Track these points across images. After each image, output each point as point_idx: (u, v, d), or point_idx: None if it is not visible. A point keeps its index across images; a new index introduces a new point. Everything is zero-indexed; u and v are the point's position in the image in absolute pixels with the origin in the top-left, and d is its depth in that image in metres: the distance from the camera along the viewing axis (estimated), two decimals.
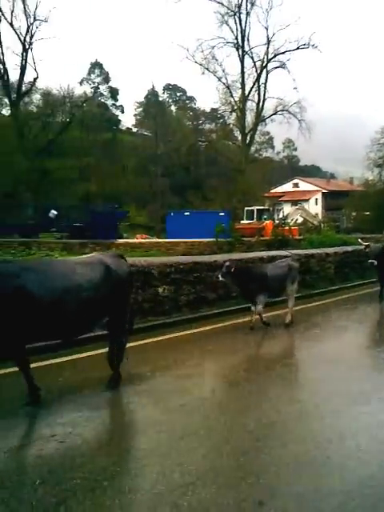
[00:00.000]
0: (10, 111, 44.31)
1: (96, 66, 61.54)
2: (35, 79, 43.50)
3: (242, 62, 43.89)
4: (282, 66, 43.83)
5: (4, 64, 40.71)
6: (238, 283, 8.19)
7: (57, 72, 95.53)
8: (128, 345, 6.88)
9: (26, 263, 5.23)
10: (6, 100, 44.23)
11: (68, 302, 4.78)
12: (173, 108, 72.97)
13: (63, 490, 3.33)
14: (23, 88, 43.44)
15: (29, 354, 6.07)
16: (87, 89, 58.73)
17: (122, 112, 67.03)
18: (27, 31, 41.04)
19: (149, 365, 6.23)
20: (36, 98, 49.91)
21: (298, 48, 42.60)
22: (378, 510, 3.22)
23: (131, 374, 5.84)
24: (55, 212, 28.41)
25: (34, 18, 40.77)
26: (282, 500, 3.31)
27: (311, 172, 75.39)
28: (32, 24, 40.94)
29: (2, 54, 40.47)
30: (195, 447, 4.01)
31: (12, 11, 40.03)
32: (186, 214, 28.33)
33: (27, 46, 41.44)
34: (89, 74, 61.53)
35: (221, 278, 8.14)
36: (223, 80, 44.77)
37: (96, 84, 61.47)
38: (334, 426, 4.49)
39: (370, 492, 3.40)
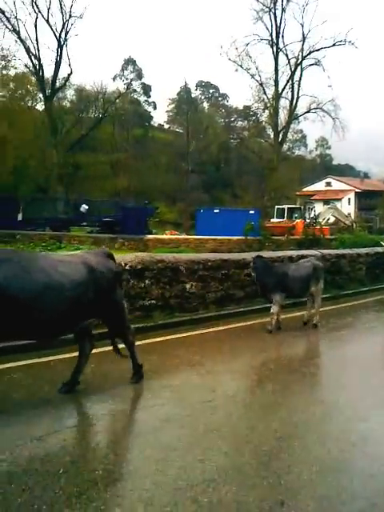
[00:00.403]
0: (43, 106, 45.04)
1: (129, 62, 62.05)
2: (69, 75, 44.12)
3: (276, 59, 43.48)
4: (317, 63, 43.20)
5: (39, 60, 41.40)
6: (257, 279, 8.05)
7: (90, 68, 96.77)
8: (154, 340, 7.02)
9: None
10: (41, 95, 44.96)
11: (44, 299, 4.41)
12: (205, 105, 72.88)
13: (85, 481, 3.37)
14: (57, 83, 44.08)
15: (57, 346, 6.25)
16: (120, 85, 59.24)
17: (155, 108, 67.46)
18: (62, 28, 41.60)
19: (174, 360, 6.24)
20: (70, 93, 50.85)
21: (333, 45, 41.89)
22: None
23: (156, 368, 5.88)
24: (86, 206, 28.82)
25: (70, 14, 41.24)
26: (304, 501, 3.26)
27: (344, 171, 74.09)
28: (67, 20, 41.47)
29: (38, 50, 41.16)
30: (217, 444, 4.00)
31: (48, 8, 40.63)
32: (216, 211, 28.24)
33: (62, 43, 42.01)
34: (122, 70, 62.14)
35: (253, 274, 8.11)
36: (256, 77, 44.48)
37: (129, 80, 61.95)
38: (359, 429, 4.41)
39: None
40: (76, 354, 6.12)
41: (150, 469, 3.60)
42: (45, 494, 3.20)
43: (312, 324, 8.20)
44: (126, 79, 62.07)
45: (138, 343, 6.76)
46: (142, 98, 64.83)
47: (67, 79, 44.84)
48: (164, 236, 26.70)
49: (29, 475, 3.43)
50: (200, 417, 4.54)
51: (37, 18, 40.15)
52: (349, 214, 39.76)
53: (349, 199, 55.32)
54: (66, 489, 3.27)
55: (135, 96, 63.30)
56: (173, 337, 7.31)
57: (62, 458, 3.69)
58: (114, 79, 60.14)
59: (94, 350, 6.30)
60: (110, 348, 6.48)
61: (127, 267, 7.59)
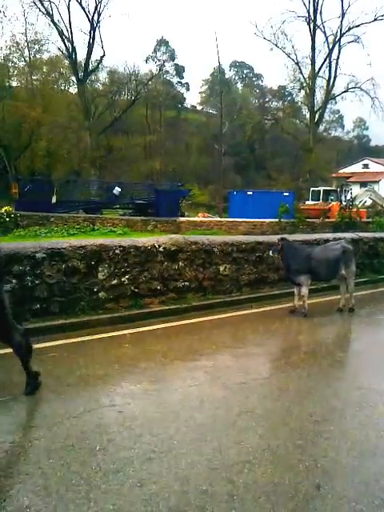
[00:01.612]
0: (77, 89, 45.26)
1: (162, 43, 61.64)
2: (102, 57, 44.18)
3: (312, 36, 42.19)
4: (356, 40, 41.71)
5: (72, 43, 41.53)
6: (283, 261, 7.89)
7: (123, 50, 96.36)
8: (188, 322, 7.05)
9: None
10: (74, 78, 45.16)
11: None
12: (239, 86, 71.89)
13: (121, 458, 3.42)
14: (90, 66, 44.14)
15: (95, 325, 6.37)
16: (153, 67, 59.08)
17: (187, 90, 67.11)
18: (95, 10, 41.52)
19: (208, 342, 6.24)
20: (102, 76, 50.89)
21: (375, 20, 40.27)
22: None
23: (190, 349, 5.90)
24: (119, 189, 28.97)
25: None
26: (341, 486, 3.22)
27: (383, 153, 72.00)
28: (100, 2, 41.33)
29: (71, 32, 41.24)
30: (252, 426, 3.98)
31: None
32: (249, 193, 27.91)
33: (95, 25, 41.96)
34: (154, 51, 61.85)
35: (271, 254, 8.08)
36: (292, 56, 43.41)
37: (162, 62, 61.61)
38: None
39: None
40: (117, 333, 6.28)
41: (185, 448, 3.61)
42: (82, 470, 3.26)
43: (348, 308, 8.03)
44: (159, 61, 61.82)
45: (172, 324, 6.86)
46: (175, 80, 64.62)
47: (100, 62, 44.98)
48: (196, 218, 26.67)
49: (67, 451, 3.50)
50: (235, 398, 4.53)
51: (70, 0, 40.17)
52: None
53: None
54: (103, 465, 3.32)
55: (168, 77, 63.03)
56: (206, 318, 7.30)
57: (99, 435, 3.74)
58: (146, 61, 60.05)
59: (130, 330, 6.45)
60: (146, 329, 6.61)
61: (161, 249, 7.59)
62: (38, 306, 6.37)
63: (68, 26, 40.95)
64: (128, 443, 3.64)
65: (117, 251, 7.07)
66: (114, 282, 7.05)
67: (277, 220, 22.59)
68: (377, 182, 51.12)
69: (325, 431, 3.96)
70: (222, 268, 8.50)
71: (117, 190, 28.86)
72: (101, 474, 3.22)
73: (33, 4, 40.02)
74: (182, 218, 25.45)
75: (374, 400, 4.65)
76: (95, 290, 6.87)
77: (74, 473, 3.23)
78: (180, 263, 7.86)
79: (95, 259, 6.86)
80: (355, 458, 3.56)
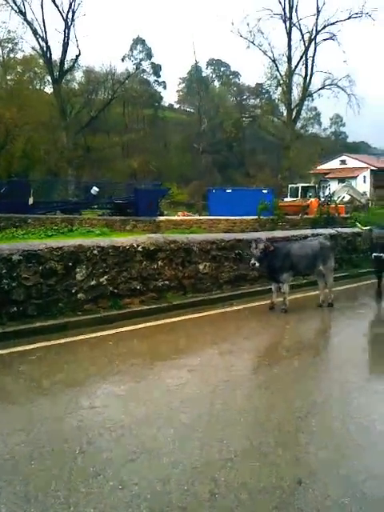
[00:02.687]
0: (52, 89, 44.74)
1: (138, 42, 61.40)
2: (77, 56, 43.78)
3: (289, 34, 42.56)
4: (332, 37, 42.15)
5: (47, 42, 41.09)
6: (264, 261, 7.60)
7: (99, 49, 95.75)
8: (168, 321, 7.01)
9: None
10: (49, 77, 44.64)
11: None
12: (216, 83, 72.01)
13: (102, 460, 3.37)
14: (65, 65, 43.71)
15: (74, 327, 6.29)
16: (129, 65, 58.76)
17: (165, 88, 66.90)
18: (69, 8, 41.11)
19: (189, 341, 6.24)
20: (78, 75, 50.47)
21: (349, 17, 40.75)
22: None
23: (173, 349, 5.87)
24: (97, 189, 28.76)
25: None
26: (322, 480, 3.22)
27: (360, 149, 72.85)
28: (74, 0, 40.93)
29: (45, 31, 40.76)
30: (235, 423, 3.97)
31: None
32: (228, 191, 28.01)
33: (69, 23, 41.57)
34: (131, 50, 61.61)
35: (257, 264, 7.47)
36: (269, 54, 43.67)
37: (138, 60, 61.41)
38: (379, 408, 4.35)
39: None
40: (97, 334, 6.21)
41: (167, 448, 3.58)
42: (62, 474, 3.21)
43: (327, 303, 8.09)
44: (135, 59, 61.63)
45: (152, 324, 6.83)
46: (152, 78, 64.34)
47: (75, 61, 44.58)
48: (176, 217, 26.62)
49: (46, 455, 3.44)
50: (217, 396, 4.51)
51: None
52: (364, 192, 39.18)
53: (364, 177, 54.46)
54: (84, 469, 3.27)
55: (145, 76, 62.77)
56: (187, 317, 7.28)
57: (79, 438, 3.68)
58: (122, 60, 59.77)
59: (113, 330, 6.39)
60: (129, 328, 6.55)
61: (140, 248, 7.54)
62: (15, 308, 6.26)
63: (42, 24, 40.50)
64: (109, 445, 3.59)
65: (95, 252, 6.99)
66: (93, 282, 6.97)
67: (256, 217, 22.68)
68: (354, 177, 51.73)
69: (307, 426, 3.98)
70: (201, 266, 8.47)
71: (95, 189, 28.64)
72: (81, 478, 3.16)
73: (4, 2, 39.46)
74: (162, 217, 25.37)
75: (356, 394, 4.68)
76: (73, 291, 6.78)
77: (54, 477, 3.17)
78: (159, 262, 7.81)
79: (73, 260, 6.77)
80: (337, 452, 3.57)
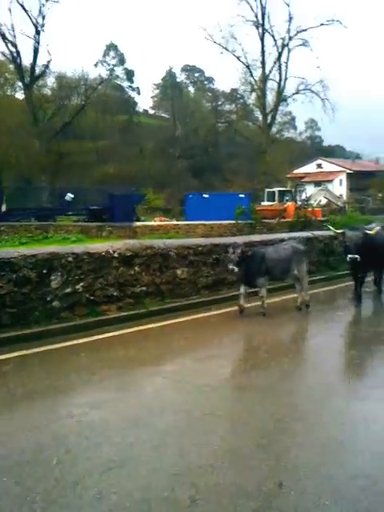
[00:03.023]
0: (23, 95, 44.21)
1: (111, 47, 61.18)
2: (49, 62, 43.31)
3: (262, 40, 43.04)
4: (305, 43, 42.80)
5: (16, 47, 40.53)
6: (242, 266, 7.55)
7: (71, 55, 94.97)
8: (146, 327, 6.96)
9: None
10: (20, 83, 44.09)
11: None
12: (191, 89, 72.32)
13: (79, 470, 3.30)
14: (37, 71, 43.20)
15: (51, 335, 6.20)
16: (102, 71, 58.43)
17: (139, 94, 66.76)
18: (39, 12, 40.70)
19: (167, 346, 6.19)
20: (50, 81, 49.88)
21: (321, 24, 41.45)
22: None
23: (150, 355, 5.82)
24: (71, 195, 28.49)
25: None
26: (303, 482, 3.22)
27: (335, 152, 73.94)
28: (44, 5, 40.54)
29: (15, 36, 40.19)
30: (214, 428, 3.94)
31: None
32: (205, 196, 28.01)
33: (39, 28, 41.11)
34: (104, 56, 61.27)
35: (236, 269, 7.47)
36: (243, 59, 44.06)
37: (111, 66, 61.13)
38: (360, 409, 4.37)
39: None
40: (73, 342, 6.12)
41: (146, 455, 3.53)
42: (38, 486, 3.13)
43: (304, 306, 8.12)
44: (109, 65, 61.30)
45: (129, 330, 6.77)
46: (126, 84, 64.08)
47: (47, 66, 44.03)
48: (153, 223, 26.52)
49: (22, 467, 3.35)
50: (196, 401, 4.48)
51: (11, 1, 39.10)
52: (340, 195, 39.76)
53: (340, 180, 55.27)
54: (61, 479, 3.20)
55: (118, 82, 62.54)
56: (165, 323, 7.23)
57: (56, 448, 3.61)
58: (95, 65, 59.33)
59: (88, 338, 6.31)
60: (104, 336, 6.48)
61: (116, 255, 7.48)
62: None
63: (11, 29, 39.93)
64: (87, 454, 3.52)
65: (69, 259, 6.90)
66: (68, 290, 6.87)
67: (234, 222, 22.78)
68: (330, 181, 52.46)
69: (287, 429, 3.98)
70: (179, 272, 8.45)
71: (69, 196, 28.36)
72: (58, 489, 3.09)
73: None
74: (138, 223, 25.24)
75: (335, 395, 4.71)
76: (48, 299, 6.67)
77: (30, 489, 3.09)
78: (136, 268, 7.76)
79: (47, 268, 6.66)
80: (317, 454, 3.57)
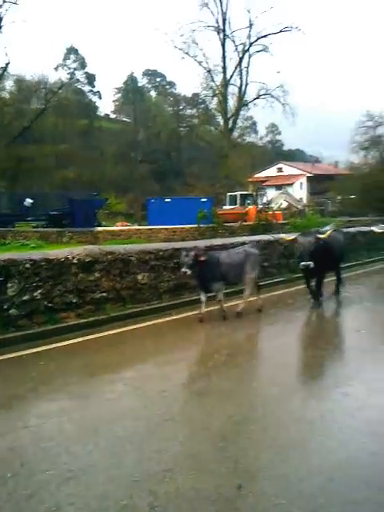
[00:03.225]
0: None
1: (71, 51, 60.46)
2: (7, 64, 42.32)
3: (223, 45, 43.34)
4: (265, 49, 43.40)
5: None
6: (195, 269, 7.49)
7: (31, 58, 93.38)
8: (107, 333, 6.89)
9: None
10: None
11: None
12: (152, 93, 72.37)
13: (36, 482, 3.23)
14: None
15: (7, 344, 6.05)
16: (63, 75, 57.71)
17: (100, 98, 66.30)
18: None
19: (127, 353, 6.14)
20: (9, 84, 48.83)
21: (280, 31, 42.08)
22: (358, 491, 3.17)
23: (110, 362, 5.76)
24: (31, 200, 27.99)
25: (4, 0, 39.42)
26: (262, 483, 3.26)
27: (295, 156, 75.35)
28: (1, 6, 39.62)
29: None
30: (173, 434, 3.94)
31: None
32: (167, 200, 28.02)
33: None
34: (64, 59, 60.49)
35: (188, 272, 7.41)
36: (204, 64, 44.24)
37: (72, 70, 60.41)
38: (316, 408, 4.44)
39: (350, 473, 3.37)
40: (31, 351, 6.00)
41: (104, 463, 3.49)
42: None
43: (239, 310, 7.98)
44: (69, 69, 60.56)
45: (90, 337, 6.68)
46: (87, 88, 63.49)
47: (5, 69, 42.96)
48: (115, 228, 26.32)
49: None
50: (155, 407, 4.46)
51: None
52: (301, 198, 40.53)
53: (300, 184, 56.34)
54: (15, 493, 3.12)
55: (79, 86, 61.89)
56: (126, 329, 7.18)
57: (11, 460, 3.52)
58: (56, 69, 58.55)
59: (45, 347, 6.19)
60: (62, 344, 6.37)
61: (75, 261, 7.38)
62: None
63: None
64: (43, 465, 3.45)
65: (27, 265, 6.76)
66: (26, 297, 6.73)
67: (196, 226, 22.86)
68: (291, 184, 53.40)
69: (245, 431, 4.01)
70: (140, 277, 8.41)
71: (28, 201, 27.82)
72: (12, 503, 3.01)
73: None
74: (100, 228, 24.99)
75: (292, 395, 4.78)
76: (5, 307, 6.51)
77: None
78: (96, 274, 7.67)
79: (3, 275, 6.51)
80: (275, 454, 3.62)
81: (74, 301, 7.32)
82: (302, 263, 7.94)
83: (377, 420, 4.16)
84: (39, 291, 6.88)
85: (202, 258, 7.48)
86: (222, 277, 7.76)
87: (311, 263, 7.84)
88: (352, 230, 15.79)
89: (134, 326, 7.32)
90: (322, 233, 8.46)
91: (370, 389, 4.82)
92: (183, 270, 7.47)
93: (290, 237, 9.08)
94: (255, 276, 8.23)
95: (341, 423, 4.11)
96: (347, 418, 4.22)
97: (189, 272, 7.43)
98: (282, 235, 9.97)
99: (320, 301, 8.74)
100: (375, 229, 11.07)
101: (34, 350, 6.05)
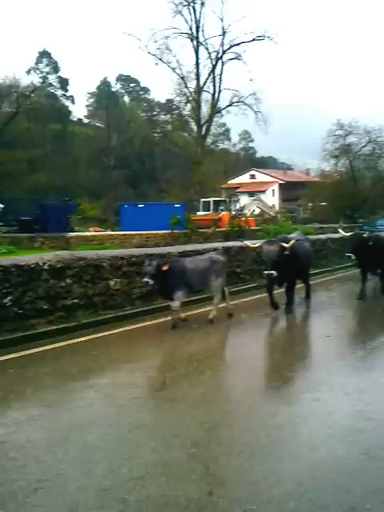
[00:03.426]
0: None
1: (44, 54, 59.86)
2: None
3: (196, 52, 43.57)
4: (238, 57, 43.83)
5: None
6: (158, 278, 7.32)
7: (1, 61, 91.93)
8: (78, 340, 6.82)
9: None
10: None
11: None
12: (126, 99, 72.20)
13: (3, 494, 3.17)
14: None
15: None
16: (35, 78, 57.03)
17: (73, 103, 65.64)
18: None
19: (100, 359, 6.08)
20: None
21: (253, 40, 42.58)
22: (326, 494, 3.22)
23: (82, 369, 5.70)
24: (2, 206, 27.54)
25: None
26: (232, 488, 3.27)
27: (268, 163, 76.27)
28: None
29: None
30: (145, 441, 3.92)
31: None
32: (141, 206, 28.04)
33: None
34: (37, 63, 59.82)
35: (151, 282, 7.28)
36: (178, 71, 44.37)
37: (44, 74, 59.76)
38: (286, 413, 4.49)
39: (319, 477, 3.42)
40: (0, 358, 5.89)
41: (75, 472, 3.46)
42: None
43: (210, 317, 7.95)
44: (42, 73, 59.91)
45: (61, 344, 6.60)
46: (60, 93, 62.87)
47: None
48: (88, 233, 26.15)
49: None
50: (127, 414, 4.44)
51: None
52: (273, 205, 41.07)
53: (273, 191, 57.11)
54: None
55: (52, 90, 61.25)
56: (98, 335, 7.12)
57: None
58: (28, 72, 57.80)
59: (14, 355, 6.08)
60: (32, 351, 6.27)
61: (46, 267, 7.29)
62: None
63: None
64: (11, 476, 3.39)
65: None
66: None
67: (169, 231, 22.90)
68: (263, 191, 54.05)
69: (217, 437, 4.02)
70: (112, 283, 8.36)
71: None
72: None
73: None
74: (72, 234, 24.78)
75: (263, 401, 4.83)
76: None
77: None
78: (67, 280, 7.59)
79: None
80: (246, 460, 3.64)
81: (45, 307, 7.22)
82: (265, 272, 8.00)
83: (346, 425, 4.24)
84: (9, 297, 6.76)
85: (165, 268, 7.29)
86: (186, 284, 7.61)
87: (274, 272, 7.84)
88: (322, 236, 16.08)
89: (106, 333, 7.26)
90: (287, 241, 8.35)
91: (339, 394, 4.90)
92: (145, 279, 7.35)
93: (255, 244, 9.09)
94: (222, 282, 8.15)
95: (310, 428, 4.16)
96: (317, 423, 4.27)
97: (151, 282, 7.27)
98: (247, 242, 9.91)
99: (291, 308, 8.76)
100: (342, 232, 11.24)
101: (4, 358, 5.95)
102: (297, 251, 8.57)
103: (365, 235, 9.82)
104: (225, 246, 11.36)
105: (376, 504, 3.13)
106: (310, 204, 44.20)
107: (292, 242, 8.34)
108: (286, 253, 8.04)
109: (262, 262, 11.91)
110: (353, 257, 9.62)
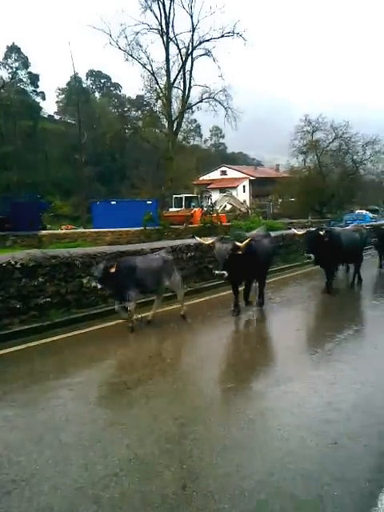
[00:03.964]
0: None
1: (13, 49, 58.65)
2: None
3: (166, 48, 43.37)
4: (207, 53, 43.85)
5: None
6: (108, 281, 7.03)
7: None
8: (51, 339, 6.79)
9: None
10: None
11: None
12: (97, 95, 71.44)
13: None
14: None
15: None
16: (4, 74, 55.95)
17: (43, 99, 64.54)
18: None
19: (73, 358, 6.08)
20: None
21: (222, 36, 42.66)
22: (295, 483, 3.33)
23: (55, 368, 5.69)
24: None
25: None
26: (205, 482, 3.35)
27: (239, 160, 76.63)
28: None
29: None
30: (119, 438, 3.97)
31: None
32: (113, 203, 27.84)
33: None
34: (5, 58, 58.55)
35: (99, 286, 7.07)
36: (148, 67, 44.10)
37: (14, 69, 58.58)
38: (257, 406, 4.60)
39: (289, 467, 3.53)
40: None
41: (49, 472, 3.48)
42: None
43: (180, 315, 7.99)
44: (11, 68, 58.72)
45: (34, 344, 6.57)
46: (30, 88, 61.74)
47: None
48: (60, 231, 25.87)
49: None
50: (101, 412, 4.47)
51: None
52: (244, 200, 41.27)
53: (244, 187, 57.39)
54: None
55: (22, 86, 60.12)
56: (71, 334, 7.10)
57: None
58: None
59: None
60: (6, 351, 6.22)
61: (18, 265, 7.22)
62: None
63: None
64: None
65: None
66: None
67: (142, 228, 22.88)
68: (234, 187, 54.29)
69: (190, 432, 4.09)
70: (85, 281, 8.33)
71: None
72: None
73: None
74: (44, 232, 24.48)
75: (235, 396, 4.91)
76: None
77: None
78: (40, 279, 7.55)
79: None
80: (219, 454, 3.72)
81: (18, 306, 7.17)
82: (216, 272, 7.67)
83: (315, 416, 4.36)
84: None
85: (112, 270, 6.95)
86: (138, 284, 7.33)
87: (225, 273, 7.47)
88: (290, 232, 16.28)
89: (79, 331, 7.26)
90: (242, 240, 7.83)
91: (308, 386, 5.03)
92: (93, 284, 7.21)
93: (208, 241, 8.63)
94: (179, 278, 8.05)
95: (281, 420, 4.28)
96: (287, 415, 4.39)
97: (99, 286, 7.09)
98: (198, 238, 9.52)
99: (239, 307, 8.51)
100: (296, 231, 11.37)
101: None
102: (255, 250, 8.20)
103: (321, 232, 9.67)
104: (185, 243, 11.22)
105: (343, 491, 3.25)
106: (280, 200, 44.71)
107: (246, 241, 7.82)
108: (239, 252, 7.64)
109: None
110: (312, 257, 9.54)
